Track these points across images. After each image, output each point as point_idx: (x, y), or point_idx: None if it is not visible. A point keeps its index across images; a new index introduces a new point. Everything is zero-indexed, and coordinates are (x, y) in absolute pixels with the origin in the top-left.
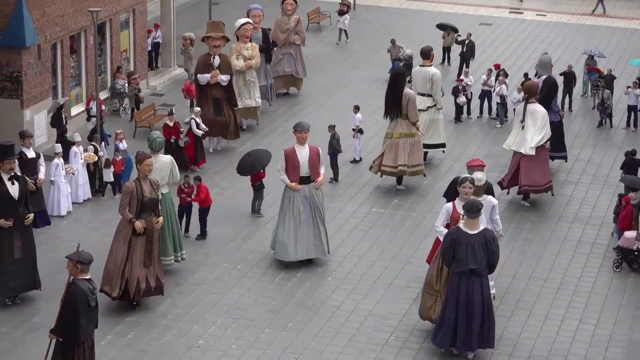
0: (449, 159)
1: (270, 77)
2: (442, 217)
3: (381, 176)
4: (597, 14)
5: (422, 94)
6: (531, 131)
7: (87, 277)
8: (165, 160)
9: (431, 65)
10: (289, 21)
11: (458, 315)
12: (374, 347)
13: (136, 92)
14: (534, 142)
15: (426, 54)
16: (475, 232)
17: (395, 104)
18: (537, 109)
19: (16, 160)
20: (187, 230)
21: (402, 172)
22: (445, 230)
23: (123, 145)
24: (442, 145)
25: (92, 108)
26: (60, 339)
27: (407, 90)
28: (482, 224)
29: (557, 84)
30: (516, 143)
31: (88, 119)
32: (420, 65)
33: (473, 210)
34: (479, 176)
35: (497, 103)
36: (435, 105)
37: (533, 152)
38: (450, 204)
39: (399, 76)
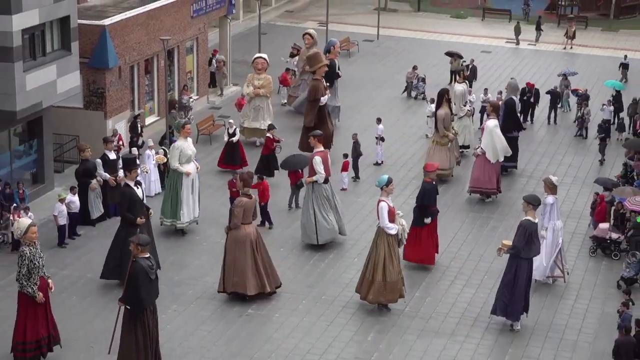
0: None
1: (338, 100)
2: (386, 215)
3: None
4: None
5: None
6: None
7: (146, 256)
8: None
9: (461, 83)
10: (307, 53)
11: (516, 294)
12: (391, 316)
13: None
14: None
15: (458, 74)
16: (536, 220)
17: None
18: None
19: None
20: None
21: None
22: (395, 226)
23: None
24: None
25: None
26: (127, 307)
27: (439, 110)
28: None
29: (515, 105)
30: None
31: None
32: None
33: (537, 201)
34: (555, 178)
35: None
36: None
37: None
38: (384, 203)
39: (439, 95)
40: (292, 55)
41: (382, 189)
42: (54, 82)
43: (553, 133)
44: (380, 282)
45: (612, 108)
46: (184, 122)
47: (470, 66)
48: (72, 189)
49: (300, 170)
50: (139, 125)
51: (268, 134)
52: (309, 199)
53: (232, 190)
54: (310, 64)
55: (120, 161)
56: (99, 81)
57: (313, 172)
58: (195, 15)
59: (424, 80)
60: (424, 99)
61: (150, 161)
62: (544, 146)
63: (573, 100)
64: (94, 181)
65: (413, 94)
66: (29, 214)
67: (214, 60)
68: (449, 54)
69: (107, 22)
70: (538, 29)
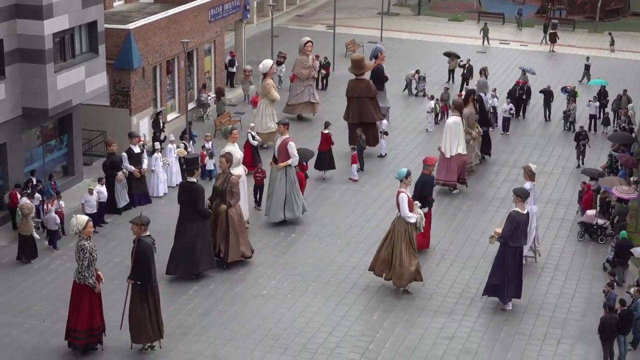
0: None
1: (387, 101)
2: (407, 205)
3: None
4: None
5: None
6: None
7: (147, 234)
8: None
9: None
10: (308, 59)
11: (505, 278)
12: (395, 297)
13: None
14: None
15: (481, 72)
16: (525, 212)
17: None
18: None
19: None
20: (259, 204)
21: None
22: (415, 215)
23: (209, 145)
24: None
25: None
26: (138, 282)
27: (465, 109)
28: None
29: (483, 101)
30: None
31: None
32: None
33: (525, 194)
34: (534, 166)
35: (490, 112)
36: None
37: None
38: (404, 194)
39: (466, 95)
40: (279, 63)
41: (401, 181)
42: (83, 82)
43: (544, 127)
44: (395, 267)
45: (597, 104)
46: (232, 128)
47: (467, 65)
48: (100, 180)
49: (305, 163)
50: (161, 121)
51: (325, 131)
52: (283, 181)
53: (257, 178)
54: (361, 66)
55: (145, 154)
56: (124, 81)
57: (286, 156)
58: (213, 19)
59: (424, 79)
60: (424, 96)
61: (171, 154)
62: (535, 139)
63: (556, 99)
64: (120, 173)
65: (414, 91)
66: (61, 202)
67: (237, 66)
68: (447, 54)
69: (131, 26)
70: (545, 31)
